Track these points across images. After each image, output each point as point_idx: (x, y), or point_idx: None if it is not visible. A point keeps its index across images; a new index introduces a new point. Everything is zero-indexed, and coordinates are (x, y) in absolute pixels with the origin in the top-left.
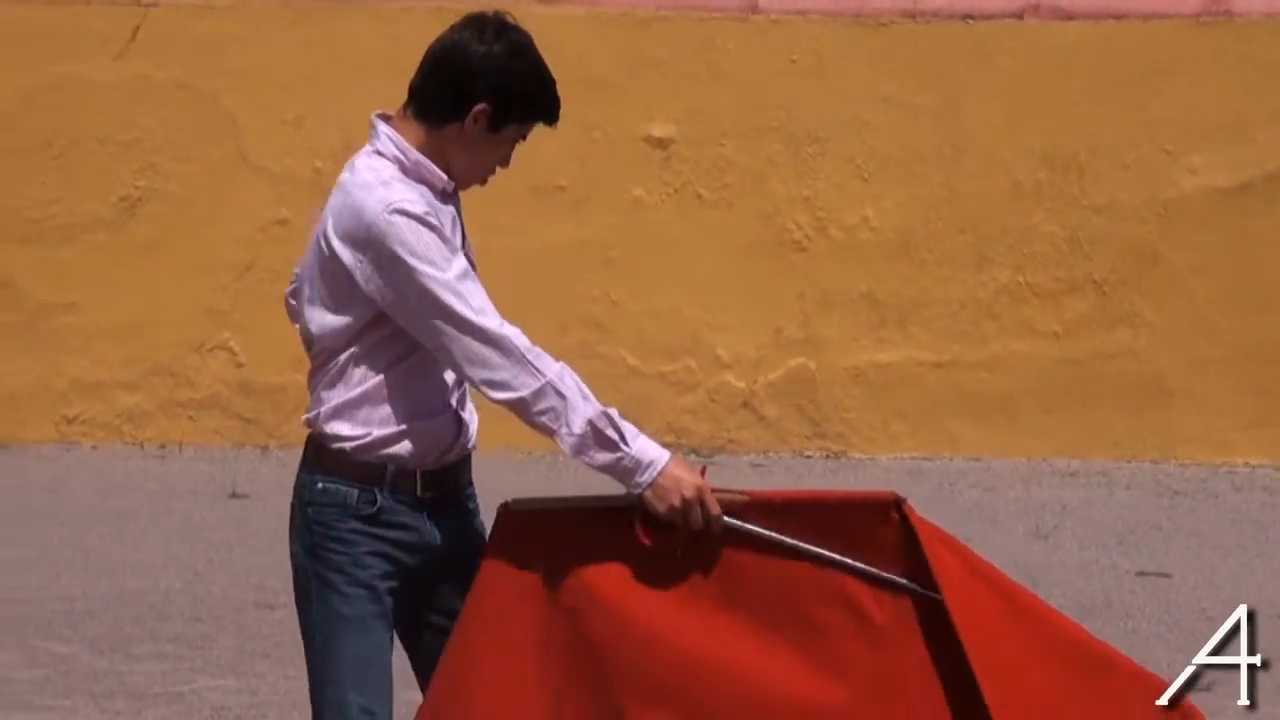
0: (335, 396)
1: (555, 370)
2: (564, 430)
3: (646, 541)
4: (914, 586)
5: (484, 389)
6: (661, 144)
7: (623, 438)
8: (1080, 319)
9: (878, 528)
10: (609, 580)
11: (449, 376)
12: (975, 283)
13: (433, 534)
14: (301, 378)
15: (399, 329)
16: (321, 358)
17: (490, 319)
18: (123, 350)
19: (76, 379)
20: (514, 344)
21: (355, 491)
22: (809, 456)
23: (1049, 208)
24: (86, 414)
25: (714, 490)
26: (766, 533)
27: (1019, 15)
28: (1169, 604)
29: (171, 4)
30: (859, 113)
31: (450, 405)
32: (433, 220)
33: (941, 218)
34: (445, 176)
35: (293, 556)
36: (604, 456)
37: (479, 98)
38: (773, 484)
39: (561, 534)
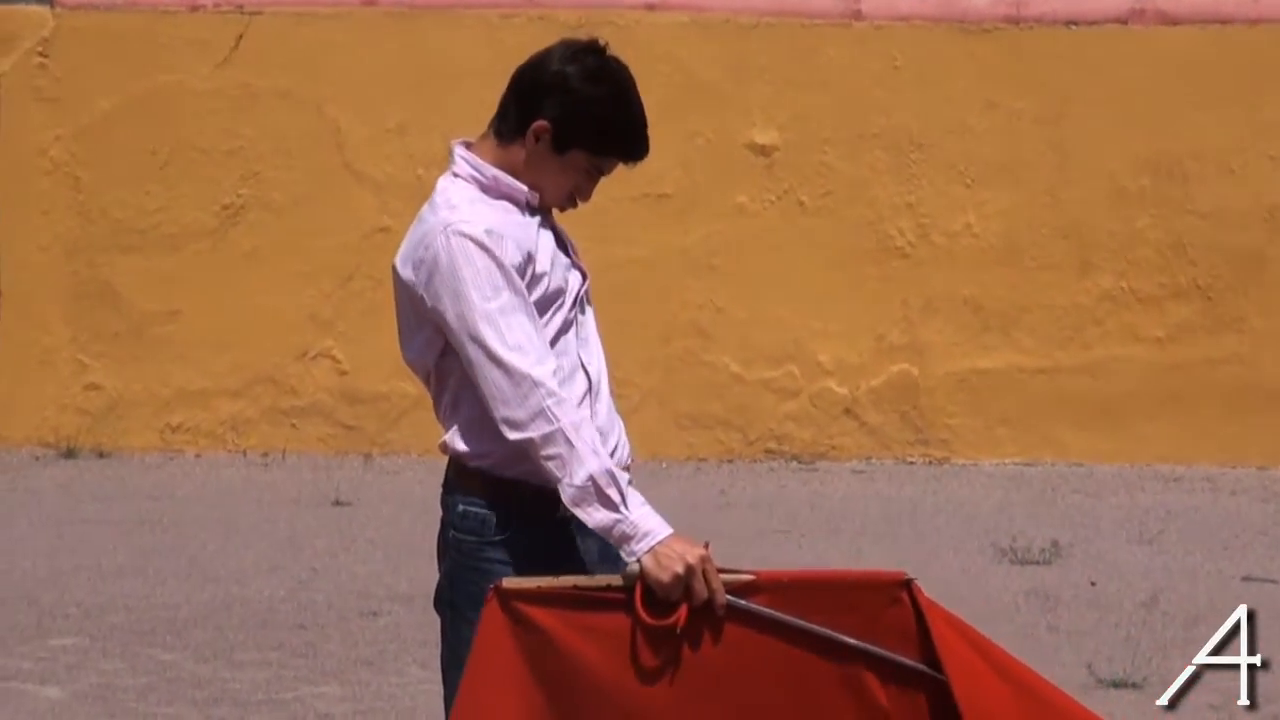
0: (458, 418)
1: (572, 419)
2: (566, 480)
3: (646, 618)
4: (923, 669)
5: (501, 425)
6: (764, 151)
7: (624, 501)
8: (1185, 324)
9: (887, 609)
10: (604, 662)
11: (574, 389)
12: (1079, 288)
13: (575, 554)
14: (405, 385)
15: None
16: (434, 386)
17: (522, 356)
18: (226, 358)
19: (180, 387)
20: (537, 385)
21: (493, 515)
22: (911, 463)
23: (1153, 213)
24: (190, 422)
25: (719, 570)
26: (772, 613)
27: (1123, 20)
28: (1276, 610)
29: (274, 12)
30: (962, 118)
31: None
32: (491, 244)
33: (1045, 223)
34: (526, 189)
35: (440, 575)
36: (601, 515)
37: (541, 114)
38: (875, 490)
39: (556, 613)
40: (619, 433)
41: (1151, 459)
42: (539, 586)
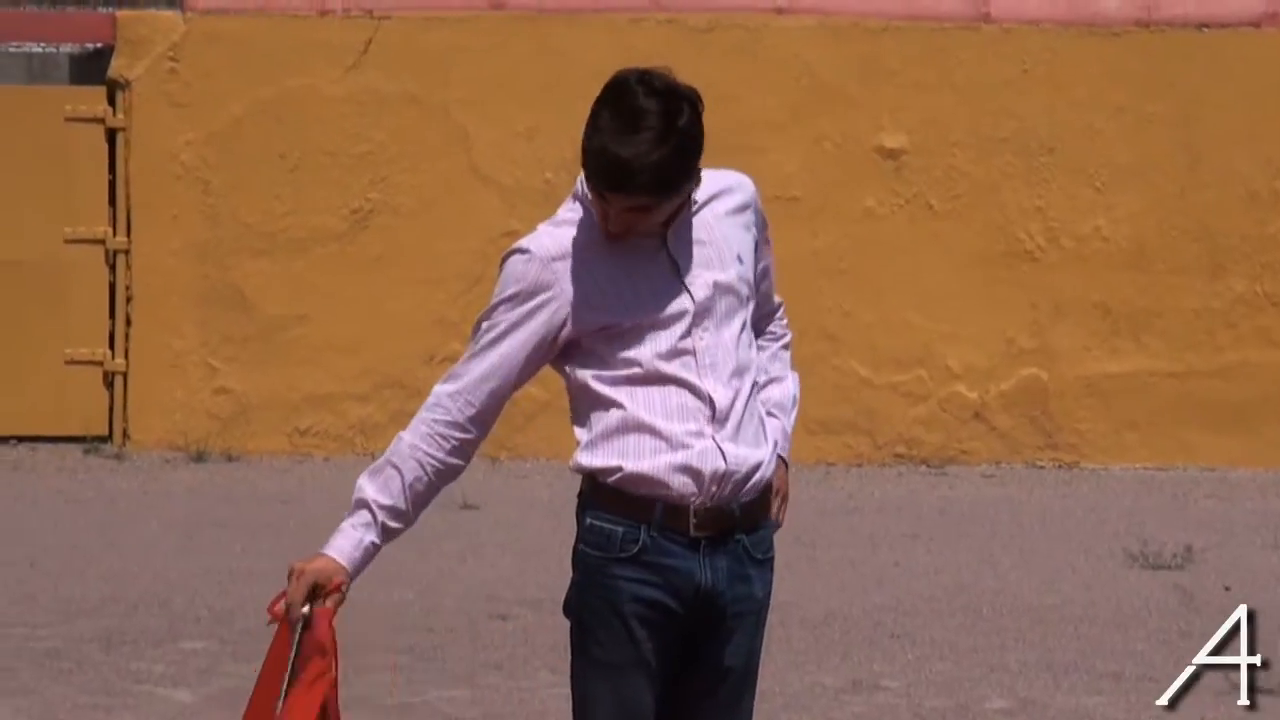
0: (585, 434)
1: (402, 438)
2: None
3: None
4: None
5: None
6: (893, 154)
7: (350, 514)
8: None
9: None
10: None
11: (696, 406)
12: (1210, 292)
13: (706, 576)
14: (532, 389)
15: (597, 361)
16: (569, 398)
17: (453, 381)
18: (354, 362)
19: (309, 391)
20: (429, 400)
21: (620, 530)
22: (1041, 467)
23: None
24: (318, 426)
25: (326, 606)
26: (291, 649)
27: (1255, 23)
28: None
29: (403, 17)
30: (1091, 122)
31: (704, 437)
32: (518, 276)
33: (1175, 227)
34: (594, 214)
35: (570, 584)
36: None
37: None
38: (1005, 494)
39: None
40: (764, 454)
41: None
42: None
